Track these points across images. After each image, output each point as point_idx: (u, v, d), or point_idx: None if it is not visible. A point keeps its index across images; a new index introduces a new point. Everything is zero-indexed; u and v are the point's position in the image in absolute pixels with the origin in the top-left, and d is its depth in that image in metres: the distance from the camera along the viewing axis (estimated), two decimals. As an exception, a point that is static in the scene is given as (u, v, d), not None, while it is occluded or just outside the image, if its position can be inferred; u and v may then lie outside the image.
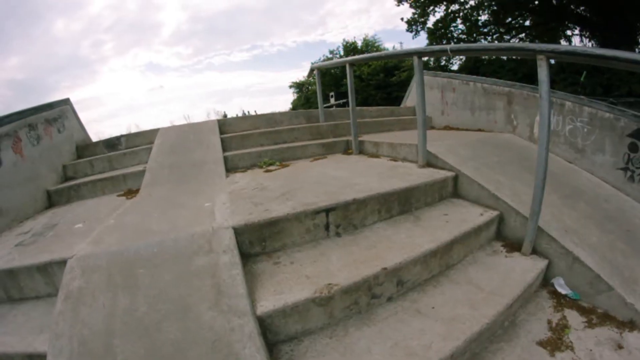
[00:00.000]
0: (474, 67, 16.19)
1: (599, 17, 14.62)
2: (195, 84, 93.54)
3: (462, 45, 3.03)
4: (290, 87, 33.55)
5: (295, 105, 31.82)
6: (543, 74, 2.16)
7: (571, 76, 11.49)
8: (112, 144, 4.36)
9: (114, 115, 67.07)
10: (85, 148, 4.35)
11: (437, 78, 5.77)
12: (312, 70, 5.81)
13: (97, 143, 4.48)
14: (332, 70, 27.83)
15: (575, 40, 18.46)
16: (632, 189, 3.18)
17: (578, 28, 17.33)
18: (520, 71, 14.10)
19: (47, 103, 4.00)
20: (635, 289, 1.97)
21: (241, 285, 1.53)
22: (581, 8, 15.85)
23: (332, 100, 14.72)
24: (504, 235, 2.52)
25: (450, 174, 2.80)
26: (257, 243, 1.91)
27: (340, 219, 2.14)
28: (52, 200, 3.31)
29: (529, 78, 13.40)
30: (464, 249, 2.22)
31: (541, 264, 2.19)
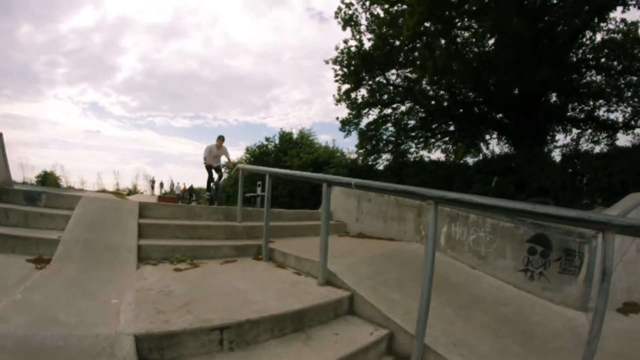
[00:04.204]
0: (399, 167, 17.52)
1: (514, 122, 17.05)
2: (132, 139, 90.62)
3: (365, 181, 3.47)
4: (223, 166, 33.90)
5: (225, 185, 32.08)
6: (430, 216, 2.40)
7: (487, 177, 12.88)
8: (32, 197, 4.35)
9: (44, 146, 65.77)
10: (4, 192, 4.28)
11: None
12: (237, 169, 6.29)
13: (17, 192, 4.44)
14: (265, 158, 29.40)
15: (493, 143, 21.17)
16: (533, 287, 3.64)
17: (496, 132, 19.95)
18: (440, 173, 15.45)
19: (-24, 132, 3.91)
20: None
21: (135, 392, 1.78)
22: (499, 115, 18.53)
23: (259, 191, 15.24)
24: (394, 350, 2.73)
25: (346, 293, 3.09)
26: (155, 351, 2.13)
27: (234, 336, 2.38)
28: (-45, 241, 3.17)
29: (449, 179, 14.66)
30: (351, 366, 2.38)
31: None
